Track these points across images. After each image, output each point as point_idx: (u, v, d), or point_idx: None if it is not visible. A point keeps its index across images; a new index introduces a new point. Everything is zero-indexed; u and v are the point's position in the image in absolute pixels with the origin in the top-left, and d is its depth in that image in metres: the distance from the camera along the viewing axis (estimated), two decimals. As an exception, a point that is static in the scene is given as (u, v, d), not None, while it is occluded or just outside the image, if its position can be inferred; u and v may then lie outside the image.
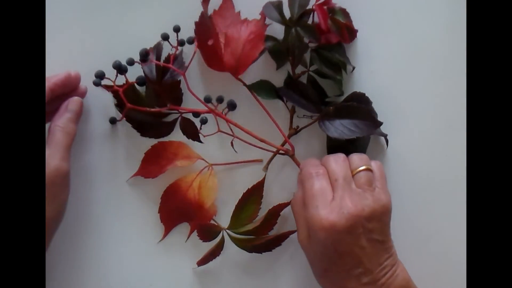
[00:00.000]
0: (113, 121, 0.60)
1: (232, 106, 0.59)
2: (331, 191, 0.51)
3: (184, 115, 0.60)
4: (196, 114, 0.59)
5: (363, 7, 0.60)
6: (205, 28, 0.56)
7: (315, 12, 0.57)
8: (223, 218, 0.60)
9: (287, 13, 0.57)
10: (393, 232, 0.53)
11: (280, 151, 0.59)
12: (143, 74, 0.58)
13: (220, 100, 0.59)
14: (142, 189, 0.61)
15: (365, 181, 0.52)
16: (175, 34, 0.58)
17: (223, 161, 0.60)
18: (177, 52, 0.59)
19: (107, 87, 0.58)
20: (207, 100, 0.58)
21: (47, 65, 0.57)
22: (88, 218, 0.57)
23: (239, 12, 0.58)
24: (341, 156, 0.53)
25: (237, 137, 0.59)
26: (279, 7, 0.57)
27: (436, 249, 0.53)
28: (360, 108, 0.55)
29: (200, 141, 0.60)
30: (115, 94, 0.58)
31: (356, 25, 0.59)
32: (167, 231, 0.61)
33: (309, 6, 0.57)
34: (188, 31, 0.59)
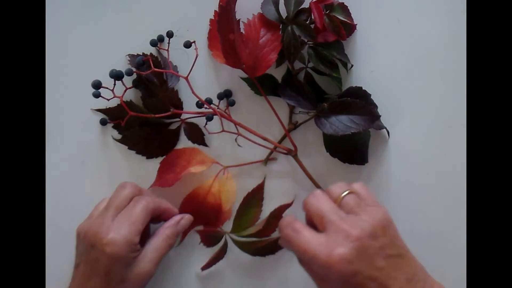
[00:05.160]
0: (103, 122, 0.61)
1: (231, 103, 0.60)
2: (319, 234, 0.47)
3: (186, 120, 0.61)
4: (200, 105, 0.60)
5: (363, 3, 0.59)
6: (225, 21, 0.54)
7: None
8: (226, 223, 0.60)
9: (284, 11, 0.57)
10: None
11: (283, 151, 0.59)
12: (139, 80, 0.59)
13: (220, 97, 0.60)
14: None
15: (354, 204, 0.48)
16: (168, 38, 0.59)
17: (229, 163, 0.61)
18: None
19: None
20: (209, 102, 0.59)
21: (47, 65, 0.57)
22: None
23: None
24: (316, 193, 0.50)
25: (241, 135, 0.59)
26: (276, 4, 0.57)
27: (436, 249, 0.53)
28: (355, 103, 0.55)
29: (206, 145, 0.60)
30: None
31: (355, 20, 0.58)
32: (184, 235, 0.60)
33: (306, 4, 0.57)
34: (185, 32, 0.60)
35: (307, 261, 0.47)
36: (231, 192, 0.59)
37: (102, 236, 0.50)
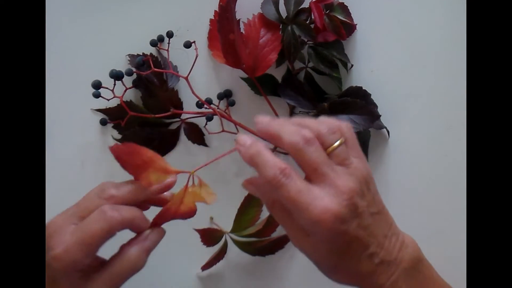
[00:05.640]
0: (103, 122, 0.61)
1: (231, 103, 0.61)
2: (311, 185, 0.43)
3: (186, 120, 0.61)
4: (200, 105, 0.59)
5: (363, 3, 0.59)
6: (225, 21, 0.54)
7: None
8: (226, 222, 0.60)
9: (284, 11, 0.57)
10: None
11: (283, 151, 0.59)
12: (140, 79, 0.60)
13: (220, 97, 0.60)
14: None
15: (344, 156, 0.44)
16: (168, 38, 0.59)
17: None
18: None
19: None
20: (209, 102, 0.59)
21: (47, 65, 0.57)
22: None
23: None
24: (309, 137, 0.44)
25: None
26: (276, 4, 0.57)
27: (436, 249, 0.53)
28: (355, 103, 0.55)
29: (206, 145, 0.61)
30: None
31: (355, 20, 0.59)
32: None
33: (306, 4, 0.57)
34: (185, 32, 0.60)
35: (294, 211, 0.43)
36: (210, 194, 0.49)
37: (52, 246, 0.44)
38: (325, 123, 0.45)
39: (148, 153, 0.47)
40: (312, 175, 0.44)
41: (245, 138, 0.45)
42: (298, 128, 0.44)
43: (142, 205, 0.48)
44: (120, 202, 0.46)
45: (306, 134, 0.44)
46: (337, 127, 0.46)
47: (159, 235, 0.48)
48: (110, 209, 0.45)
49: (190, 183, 0.48)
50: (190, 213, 0.48)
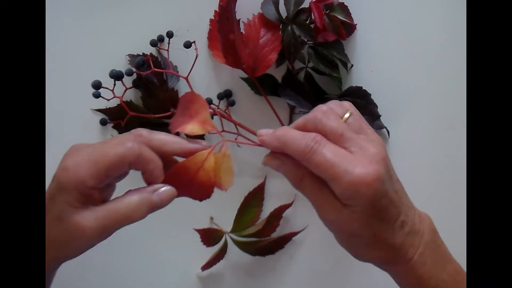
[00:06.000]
0: (103, 122, 0.60)
1: (231, 103, 0.61)
2: (343, 150, 0.42)
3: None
4: None
5: (363, 3, 0.59)
6: (225, 21, 0.54)
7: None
8: (226, 222, 0.60)
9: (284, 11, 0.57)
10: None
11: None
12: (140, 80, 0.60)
13: (220, 97, 0.60)
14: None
15: (359, 125, 0.44)
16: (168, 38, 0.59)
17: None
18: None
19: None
20: (209, 102, 0.59)
21: (47, 65, 0.57)
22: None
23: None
24: (324, 109, 0.44)
25: (241, 135, 0.59)
26: (276, 4, 0.57)
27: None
28: (355, 103, 0.55)
29: None
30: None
31: (355, 20, 0.59)
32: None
33: (306, 4, 0.57)
34: (185, 32, 0.60)
35: (329, 177, 0.42)
36: (228, 172, 0.47)
37: (66, 157, 0.44)
38: (329, 103, 0.46)
39: (201, 100, 0.48)
40: (339, 142, 0.43)
41: (267, 129, 0.45)
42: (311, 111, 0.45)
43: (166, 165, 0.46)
44: (146, 144, 0.44)
45: (322, 107, 0.44)
46: (339, 102, 0.46)
47: (169, 195, 0.45)
48: (132, 141, 0.44)
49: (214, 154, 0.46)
50: (206, 189, 0.46)
